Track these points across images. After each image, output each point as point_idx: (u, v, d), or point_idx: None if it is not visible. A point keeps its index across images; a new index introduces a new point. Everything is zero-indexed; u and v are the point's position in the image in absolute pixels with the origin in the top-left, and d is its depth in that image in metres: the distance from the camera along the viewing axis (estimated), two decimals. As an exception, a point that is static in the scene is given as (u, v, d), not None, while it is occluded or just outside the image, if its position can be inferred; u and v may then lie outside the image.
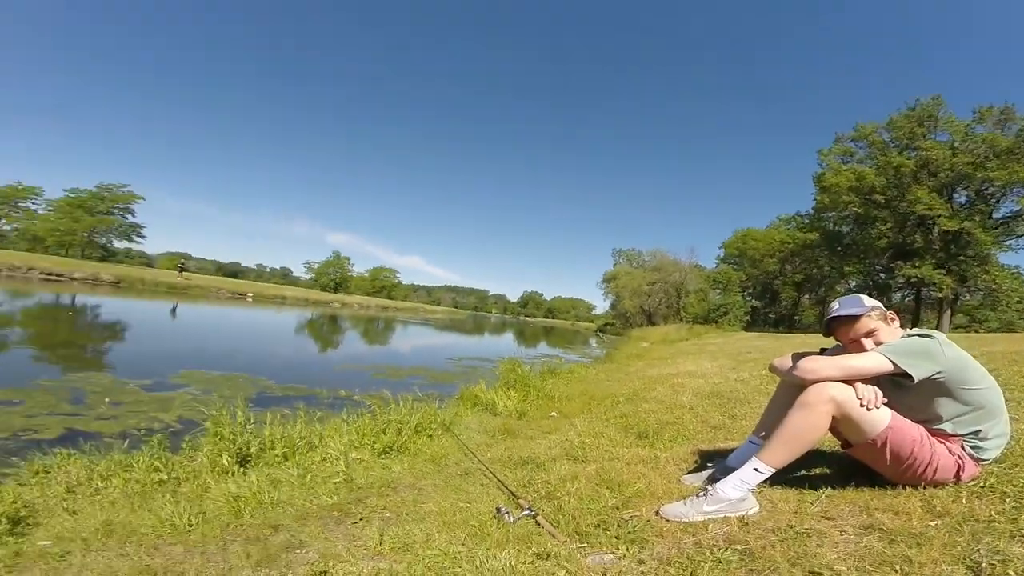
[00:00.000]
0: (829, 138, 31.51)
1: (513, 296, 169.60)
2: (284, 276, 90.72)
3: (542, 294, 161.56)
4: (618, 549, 1.64)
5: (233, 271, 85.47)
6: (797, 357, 2.00)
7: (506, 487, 2.38)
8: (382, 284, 77.07)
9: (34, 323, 13.10)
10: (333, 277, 67.82)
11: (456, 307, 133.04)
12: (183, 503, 2.64)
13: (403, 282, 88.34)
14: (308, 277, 71.68)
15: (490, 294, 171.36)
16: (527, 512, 1.97)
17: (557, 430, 3.86)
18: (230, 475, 3.30)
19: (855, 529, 1.59)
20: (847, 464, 2.12)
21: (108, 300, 19.96)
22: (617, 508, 1.99)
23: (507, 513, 1.98)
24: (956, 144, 26.04)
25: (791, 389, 1.99)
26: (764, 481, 1.88)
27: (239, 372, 9.09)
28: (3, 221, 45.96)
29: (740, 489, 1.82)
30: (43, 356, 9.06)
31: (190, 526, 2.36)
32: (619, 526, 1.80)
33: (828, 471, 2.23)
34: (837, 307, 2.02)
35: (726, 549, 1.54)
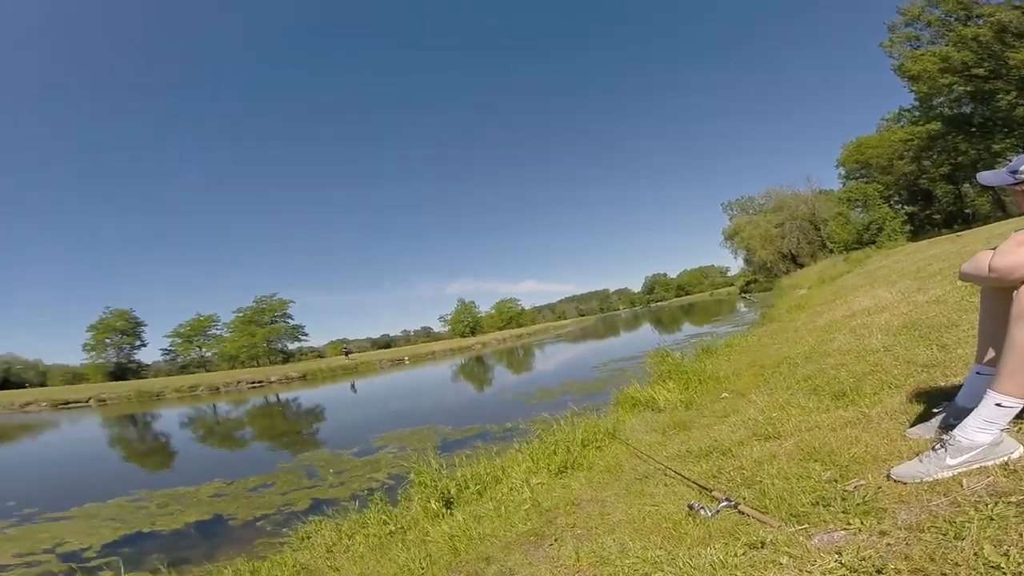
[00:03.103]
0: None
1: (636, 286, 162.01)
2: (427, 334, 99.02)
3: (666, 274, 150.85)
4: (850, 524, 1.44)
5: (385, 342, 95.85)
6: (992, 255, 1.61)
7: (693, 482, 2.26)
8: (509, 315, 79.65)
9: (257, 422, 16.15)
10: (466, 323, 72.41)
11: (582, 315, 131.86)
12: (412, 549, 2.99)
13: (526, 308, 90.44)
14: (446, 329, 77.32)
15: (612, 291, 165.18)
16: (726, 503, 1.83)
17: (734, 411, 3.56)
18: (441, 517, 3.69)
19: None
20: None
21: (302, 392, 23.73)
22: (835, 481, 1.76)
23: (702, 508, 1.87)
24: (1015, 2, 22.58)
25: (1001, 296, 1.60)
26: (1018, 415, 1.51)
27: (422, 426, 10.16)
28: (203, 350, 57.92)
29: (989, 431, 1.48)
30: (274, 445, 11.12)
31: (422, 569, 2.66)
32: (843, 499, 1.59)
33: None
34: (1014, 163, 1.63)
35: (995, 504, 1.26)
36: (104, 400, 25.62)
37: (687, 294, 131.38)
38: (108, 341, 52.14)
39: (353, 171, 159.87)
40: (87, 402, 25.36)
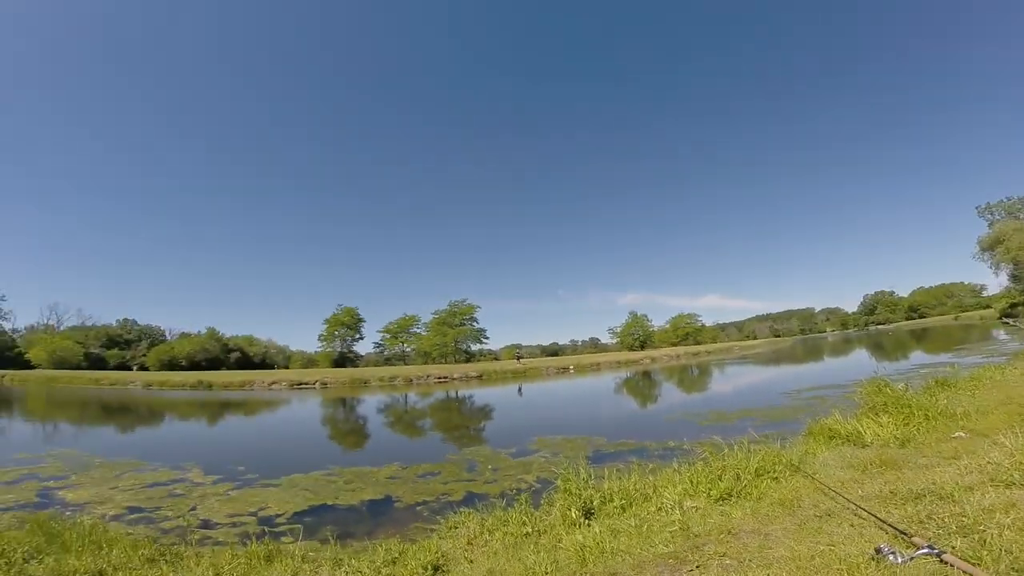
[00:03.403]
0: None
1: (850, 306, 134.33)
2: (594, 345, 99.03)
3: (893, 292, 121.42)
4: None
5: (554, 350, 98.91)
6: None
7: (889, 524, 1.82)
8: (685, 331, 74.82)
9: (438, 414, 18.08)
10: (636, 336, 70.19)
11: (776, 336, 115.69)
12: (542, 553, 2.97)
13: (706, 324, 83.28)
14: (614, 342, 76.05)
15: (817, 311, 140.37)
16: (926, 550, 1.46)
17: (969, 453, 2.80)
18: (577, 527, 3.58)
19: None
20: None
21: (477, 390, 25.90)
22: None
23: (892, 553, 1.52)
24: None
25: None
26: None
27: (577, 435, 10.16)
28: (405, 345, 67.10)
29: None
30: (447, 437, 12.27)
31: (546, 573, 2.62)
32: None
33: None
34: None
35: None
36: (326, 384, 31.41)
37: (921, 316, 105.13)
38: (336, 333, 64.12)
39: (546, 182, 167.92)
40: (314, 384, 31.18)
